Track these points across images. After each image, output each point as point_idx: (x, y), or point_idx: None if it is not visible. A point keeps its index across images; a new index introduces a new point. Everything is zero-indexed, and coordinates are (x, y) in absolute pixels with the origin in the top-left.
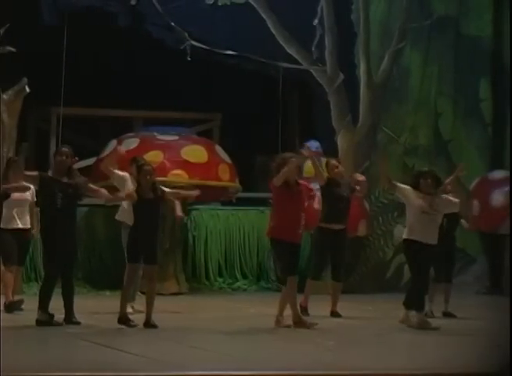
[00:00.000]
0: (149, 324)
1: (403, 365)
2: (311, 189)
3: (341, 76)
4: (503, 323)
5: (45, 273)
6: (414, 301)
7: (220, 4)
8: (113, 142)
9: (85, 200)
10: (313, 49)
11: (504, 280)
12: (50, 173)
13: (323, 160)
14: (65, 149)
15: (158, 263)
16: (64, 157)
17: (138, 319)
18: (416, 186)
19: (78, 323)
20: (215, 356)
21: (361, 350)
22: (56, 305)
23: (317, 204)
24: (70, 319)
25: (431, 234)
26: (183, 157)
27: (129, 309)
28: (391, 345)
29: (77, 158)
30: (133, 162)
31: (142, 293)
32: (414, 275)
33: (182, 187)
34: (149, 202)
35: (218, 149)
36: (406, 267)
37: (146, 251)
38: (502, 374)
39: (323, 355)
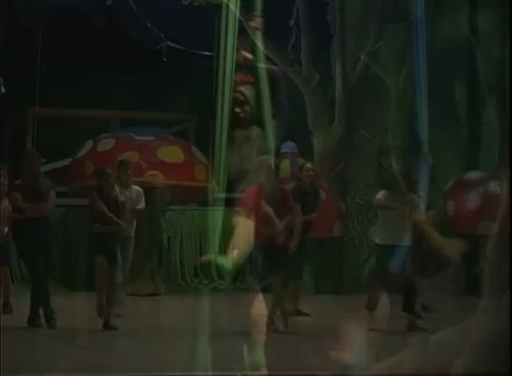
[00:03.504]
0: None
1: (384, 366)
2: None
3: (317, 77)
4: (478, 324)
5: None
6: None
7: (196, 4)
8: (90, 143)
9: (63, 201)
10: (289, 50)
11: (480, 280)
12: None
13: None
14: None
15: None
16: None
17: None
18: (393, 187)
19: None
20: (191, 357)
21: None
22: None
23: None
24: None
25: (406, 235)
26: (159, 158)
27: None
28: (366, 345)
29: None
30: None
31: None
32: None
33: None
34: None
35: (194, 149)
36: None
37: None
38: (501, 374)
39: (300, 356)
